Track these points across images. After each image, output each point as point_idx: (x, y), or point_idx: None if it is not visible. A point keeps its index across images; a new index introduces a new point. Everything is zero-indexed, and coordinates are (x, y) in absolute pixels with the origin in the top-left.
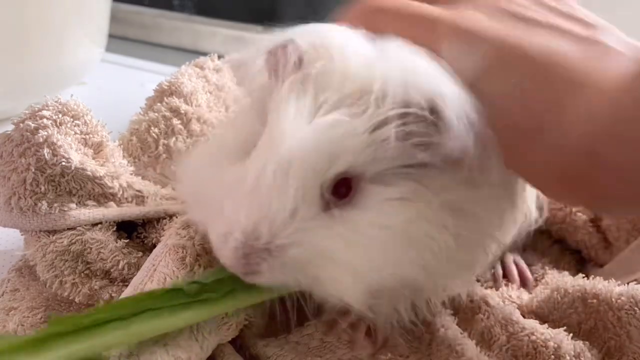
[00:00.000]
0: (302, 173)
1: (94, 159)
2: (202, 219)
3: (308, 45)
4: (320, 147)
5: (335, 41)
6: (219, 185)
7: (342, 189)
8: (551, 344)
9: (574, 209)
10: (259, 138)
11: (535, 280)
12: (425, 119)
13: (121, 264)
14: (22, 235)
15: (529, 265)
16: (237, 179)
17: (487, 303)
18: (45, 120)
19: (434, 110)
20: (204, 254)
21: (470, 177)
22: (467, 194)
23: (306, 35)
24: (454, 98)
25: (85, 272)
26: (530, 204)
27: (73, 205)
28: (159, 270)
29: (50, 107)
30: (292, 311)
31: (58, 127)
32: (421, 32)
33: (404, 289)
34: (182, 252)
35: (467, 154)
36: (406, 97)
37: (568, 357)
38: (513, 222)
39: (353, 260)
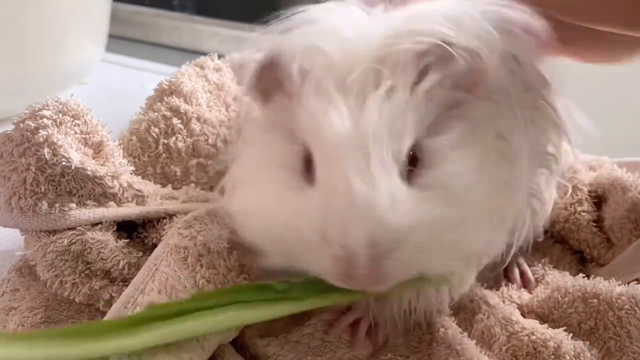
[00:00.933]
0: (381, 163)
1: (94, 158)
2: (294, 256)
3: (298, 52)
4: (384, 131)
5: (323, 35)
6: (303, 216)
7: (412, 158)
8: (551, 344)
9: (578, 209)
10: (298, 157)
11: (536, 280)
12: (448, 55)
13: (121, 263)
14: (22, 235)
15: (530, 265)
16: (318, 203)
17: (487, 303)
18: (45, 120)
19: (448, 42)
20: (206, 253)
21: (509, 104)
22: (509, 122)
23: (291, 42)
24: (464, 23)
25: (85, 272)
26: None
27: (73, 205)
28: (160, 270)
29: (51, 107)
30: None
31: (58, 127)
32: None
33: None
34: (184, 252)
35: (492, 73)
36: (422, 45)
37: (568, 357)
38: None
39: (465, 215)
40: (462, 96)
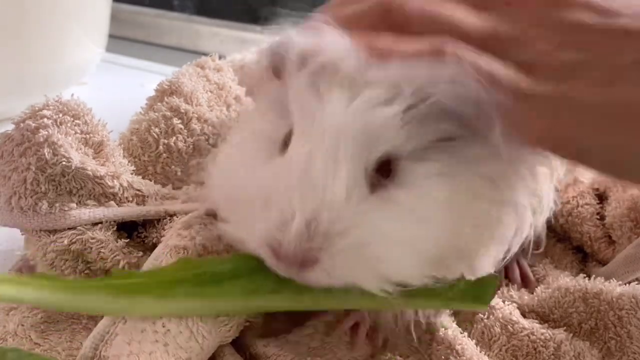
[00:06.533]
0: (351, 156)
1: (94, 158)
2: (238, 220)
3: (308, 43)
4: (363, 130)
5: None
6: (258, 181)
7: (383, 171)
8: (551, 344)
9: (580, 202)
10: (282, 133)
11: (537, 280)
12: (454, 91)
13: (121, 263)
14: (22, 234)
15: (531, 265)
16: (280, 171)
17: None
18: (45, 120)
19: (457, 81)
20: (205, 254)
21: (497, 149)
22: (496, 165)
23: (307, 34)
24: (475, 67)
25: (85, 272)
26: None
27: (73, 205)
28: None
29: (51, 107)
30: None
31: (58, 127)
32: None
33: (454, 259)
34: (184, 253)
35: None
36: (432, 73)
37: (568, 357)
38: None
39: (412, 238)
40: (458, 132)
